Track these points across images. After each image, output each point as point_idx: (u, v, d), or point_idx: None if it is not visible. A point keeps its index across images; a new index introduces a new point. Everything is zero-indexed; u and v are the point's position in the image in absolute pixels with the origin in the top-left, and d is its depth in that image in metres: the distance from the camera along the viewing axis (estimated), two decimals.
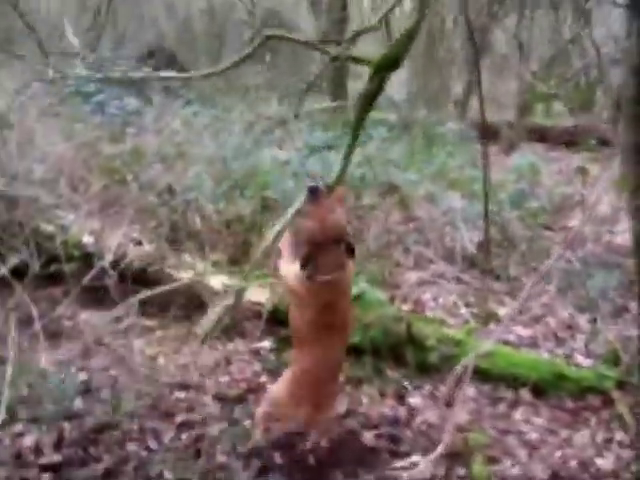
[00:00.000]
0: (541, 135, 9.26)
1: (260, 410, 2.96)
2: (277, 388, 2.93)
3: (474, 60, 3.36)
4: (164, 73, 4.46)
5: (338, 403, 3.05)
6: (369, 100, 3.14)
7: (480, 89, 3.58)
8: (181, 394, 3.28)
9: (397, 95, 9.39)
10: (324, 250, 2.69)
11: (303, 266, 2.70)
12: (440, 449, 1.77)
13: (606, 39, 7.49)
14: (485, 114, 4.45)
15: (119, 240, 4.12)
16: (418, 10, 3.23)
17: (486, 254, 4.48)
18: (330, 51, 3.28)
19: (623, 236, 4.94)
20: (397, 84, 10.70)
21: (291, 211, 3.11)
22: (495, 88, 9.60)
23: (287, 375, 2.91)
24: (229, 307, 3.50)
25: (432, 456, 1.92)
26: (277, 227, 3.13)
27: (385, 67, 3.09)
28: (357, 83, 9.66)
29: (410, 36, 3.08)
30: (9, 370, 2.99)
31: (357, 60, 3.30)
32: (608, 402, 3.22)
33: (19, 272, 3.74)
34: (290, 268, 2.81)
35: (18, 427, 2.90)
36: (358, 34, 3.38)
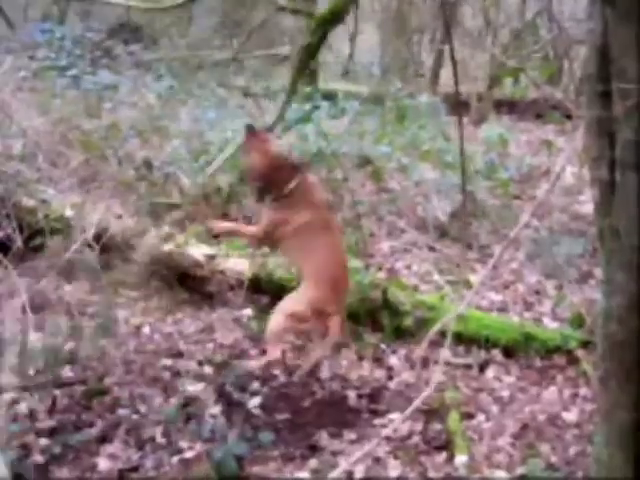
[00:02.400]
0: (509, 107, 9.42)
1: (275, 326, 3.17)
2: (292, 303, 3.20)
3: (446, 33, 3.46)
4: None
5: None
6: (310, 52, 3.29)
7: (454, 62, 3.69)
8: (167, 361, 3.39)
9: (369, 68, 9.48)
10: (273, 175, 3.09)
11: (258, 199, 3.10)
12: (414, 406, 1.91)
13: (570, 18, 7.65)
14: (458, 86, 4.56)
15: (100, 214, 4.19)
16: None
17: (463, 224, 4.62)
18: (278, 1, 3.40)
19: (587, 205, 5.11)
20: (369, 56, 10.79)
21: (229, 149, 3.39)
22: (464, 61, 9.71)
23: (302, 290, 3.21)
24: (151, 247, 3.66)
25: (408, 411, 2.06)
26: (215, 164, 3.37)
27: (328, 21, 3.23)
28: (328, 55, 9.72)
29: None
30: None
31: (301, 12, 3.42)
32: (573, 361, 3.40)
33: (2, 246, 3.80)
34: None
35: (12, 395, 2.99)
36: None
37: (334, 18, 3.18)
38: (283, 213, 3.13)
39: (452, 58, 3.66)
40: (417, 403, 1.97)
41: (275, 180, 3.11)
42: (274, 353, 3.20)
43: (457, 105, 4.10)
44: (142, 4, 3.89)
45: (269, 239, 3.25)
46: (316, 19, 3.13)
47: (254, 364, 3.29)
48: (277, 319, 3.18)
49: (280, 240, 3.23)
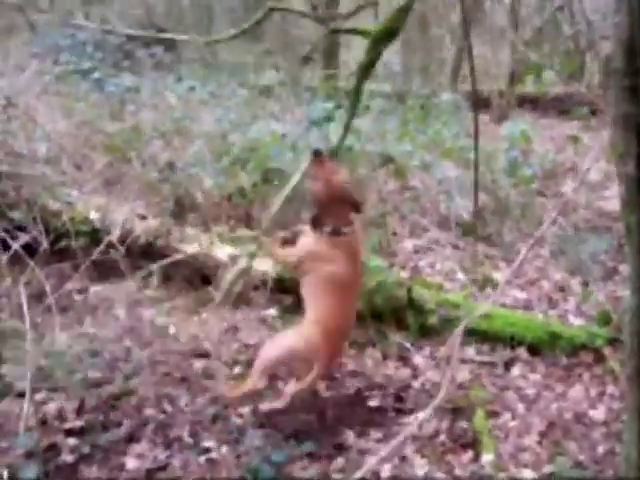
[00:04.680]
0: (532, 103, 9.36)
1: (262, 358, 3.02)
2: (288, 338, 3.06)
3: (465, 30, 3.46)
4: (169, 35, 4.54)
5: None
6: (367, 69, 3.29)
7: (471, 59, 3.67)
8: (193, 361, 3.41)
9: (392, 66, 9.46)
10: (331, 208, 2.93)
11: (314, 225, 2.90)
12: (437, 401, 1.91)
13: (593, 12, 7.58)
14: (476, 83, 4.54)
15: (125, 215, 4.23)
16: None
17: (478, 220, 4.59)
18: (330, 23, 3.40)
19: (613, 201, 5.07)
20: (391, 55, 10.76)
21: (296, 176, 3.29)
22: (487, 58, 9.67)
23: (301, 328, 3.05)
24: (242, 271, 3.64)
25: (431, 407, 2.06)
26: (284, 192, 3.29)
27: (383, 38, 3.23)
28: (348, 54, 9.73)
29: (406, 8, 3.20)
30: (29, 341, 3.10)
31: (357, 32, 3.41)
32: (600, 358, 3.38)
33: (29, 249, 3.84)
34: (306, 236, 3.04)
35: (41, 395, 3.03)
36: (360, 8, 3.50)
37: (389, 35, 3.19)
38: (328, 249, 2.98)
39: (470, 56, 3.64)
40: (437, 401, 1.98)
41: (333, 215, 2.97)
42: (258, 383, 2.99)
43: (474, 102, 4.06)
44: (208, 38, 3.97)
45: (299, 267, 3.08)
46: (372, 37, 3.14)
47: (226, 391, 3.13)
48: (271, 350, 3.04)
49: (307, 271, 3.07)
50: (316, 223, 2.99)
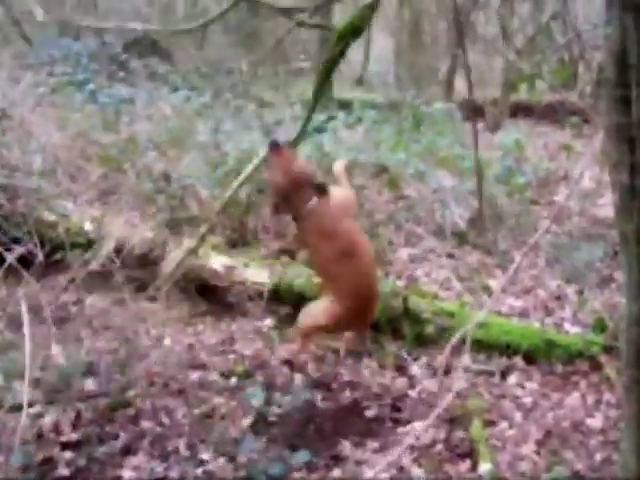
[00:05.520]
0: (526, 112, 9.40)
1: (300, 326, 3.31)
2: (316, 308, 3.27)
3: (459, 39, 3.47)
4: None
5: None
6: (331, 65, 3.33)
7: (467, 68, 3.69)
8: (189, 372, 3.40)
9: (385, 76, 9.51)
10: (293, 194, 3.08)
11: (274, 213, 3.14)
12: (436, 412, 1.92)
13: (585, 23, 7.63)
14: (472, 93, 4.57)
15: (120, 227, 4.23)
16: None
17: (480, 229, 4.61)
18: (297, 16, 3.44)
19: (607, 209, 5.09)
20: (385, 65, 10.81)
21: (251, 166, 3.39)
22: (480, 67, 9.71)
23: (324, 301, 3.26)
24: (182, 259, 3.68)
25: (430, 420, 2.07)
26: (239, 179, 3.38)
27: (347, 35, 3.26)
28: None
29: (372, 6, 3.24)
30: (27, 354, 3.09)
31: (322, 27, 3.47)
32: (596, 366, 3.38)
33: (24, 261, 3.83)
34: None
35: (36, 408, 3.02)
36: (324, 4, 3.56)
37: (354, 32, 3.22)
38: (300, 234, 3.18)
39: (466, 65, 3.66)
40: (437, 412, 1.98)
41: (293, 200, 3.12)
42: (300, 346, 3.33)
43: (470, 112, 4.09)
44: (175, 28, 4.03)
45: (299, 247, 3.35)
46: (337, 34, 3.17)
47: (284, 351, 3.40)
48: (305, 321, 3.29)
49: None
50: (275, 211, 3.17)
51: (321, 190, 3.13)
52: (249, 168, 3.45)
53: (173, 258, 3.89)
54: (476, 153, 3.49)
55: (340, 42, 3.22)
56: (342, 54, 3.28)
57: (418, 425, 2.96)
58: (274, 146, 3.16)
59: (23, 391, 2.77)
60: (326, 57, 3.29)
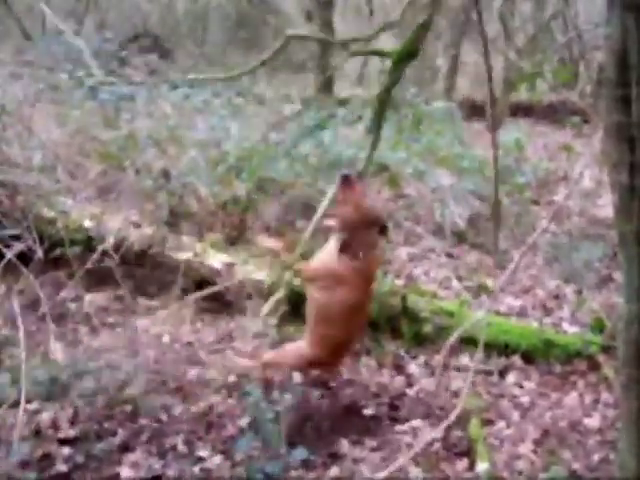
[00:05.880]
0: (526, 111, 9.41)
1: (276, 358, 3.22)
2: (297, 345, 3.18)
3: (483, 42, 3.46)
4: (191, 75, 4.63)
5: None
6: (390, 91, 3.33)
7: (489, 69, 3.64)
8: (188, 370, 3.41)
9: (383, 75, 9.48)
10: (360, 233, 2.91)
11: (343, 250, 2.91)
12: (453, 416, 1.95)
13: (586, 22, 7.64)
14: (494, 94, 4.51)
15: (119, 224, 4.22)
16: (431, 3, 3.38)
17: (495, 232, 4.55)
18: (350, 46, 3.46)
19: (606, 209, 5.09)
20: (384, 63, 10.78)
21: (326, 200, 3.30)
22: (479, 66, 9.70)
23: (309, 338, 3.14)
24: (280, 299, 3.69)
25: (445, 423, 2.10)
26: (317, 215, 3.31)
27: (404, 59, 3.27)
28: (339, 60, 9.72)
29: (425, 26, 3.23)
30: (22, 351, 3.09)
31: (378, 53, 3.47)
32: (594, 366, 3.39)
33: (23, 257, 3.83)
34: (328, 253, 3.03)
35: (35, 405, 3.02)
36: (381, 30, 3.59)
37: (410, 55, 3.24)
38: (347, 272, 2.95)
39: (487, 66, 3.66)
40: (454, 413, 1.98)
41: (360, 239, 2.93)
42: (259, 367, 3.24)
43: (492, 114, 4.06)
44: (230, 73, 4.04)
45: (315, 280, 3.10)
46: (394, 58, 3.20)
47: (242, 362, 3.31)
48: (281, 355, 3.22)
49: (320, 286, 3.07)
50: (347, 249, 2.93)
51: (385, 232, 3.04)
52: (324, 202, 3.35)
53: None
54: (495, 158, 3.41)
55: (398, 66, 3.24)
56: (399, 79, 3.30)
57: (416, 424, 2.96)
58: (346, 179, 2.96)
59: (21, 387, 2.78)
60: (386, 83, 3.30)
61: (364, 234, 2.94)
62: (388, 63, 3.43)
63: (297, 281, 3.64)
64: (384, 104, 3.35)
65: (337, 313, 3.00)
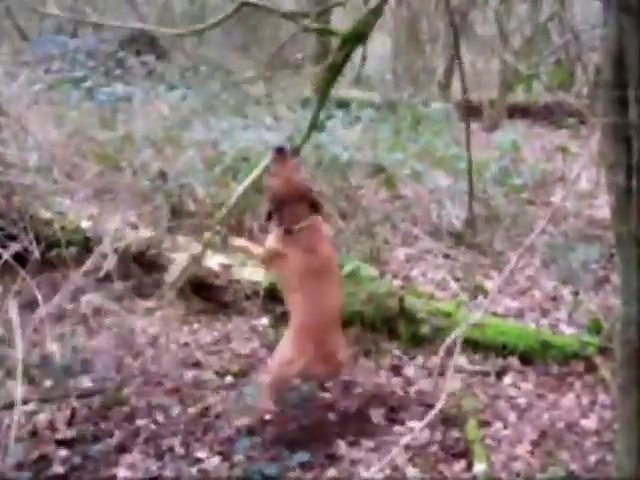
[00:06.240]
0: (522, 112, 9.41)
1: (267, 377, 3.12)
2: (281, 351, 3.10)
3: (454, 40, 3.47)
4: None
5: (342, 351, 3.18)
6: (335, 71, 3.32)
7: (462, 69, 3.68)
8: (185, 371, 3.41)
9: (381, 76, 9.50)
10: (289, 205, 2.98)
11: (267, 219, 3.04)
12: (432, 413, 1.93)
13: (583, 23, 7.64)
14: (467, 93, 4.57)
15: (116, 224, 4.22)
16: None
17: (471, 229, 4.61)
18: (300, 21, 3.43)
19: (603, 210, 5.09)
20: (382, 64, 10.80)
21: (257, 170, 3.35)
22: (477, 67, 9.72)
23: (288, 335, 3.11)
24: (193, 259, 3.70)
25: (426, 420, 2.09)
26: (243, 185, 3.35)
27: (352, 39, 3.26)
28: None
29: (375, 12, 3.23)
30: (19, 352, 3.08)
31: (325, 31, 3.46)
32: (591, 367, 3.39)
33: (20, 258, 3.82)
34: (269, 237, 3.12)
35: (31, 406, 3.02)
36: (327, 8, 3.55)
37: (358, 37, 3.22)
38: (284, 247, 3.03)
39: (460, 66, 3.67)
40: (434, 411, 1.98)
41: (289, 212, 3.00)
42: (266, 406, 3.07)
43: (465, 112, 4.08)
44: (178, 31, 4.02)
45: (267, 264, 3.27)
46: (341, 39, 3.17)
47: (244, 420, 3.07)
48: (271, 369, 3.13)
49: (276, 270, 3.25)
50: (267, 218, 3.07)
51: (317, 207, 3.07)
52: (254, 173, 3.41)
53: (177, 265, 3.87)
54: (468, 154, 3.44)
55: (344, 47, 3.21)
56: (346, 59, 3.28)
57: (414, 425, 2.96)
58: (279, 153, 3.05)
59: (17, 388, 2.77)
60: (330, 62, 3.28)
61: (294, 208, 2.99)
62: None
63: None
64: (328, 85, 3.34)
65: (295, 288, 3.05)
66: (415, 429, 2.83)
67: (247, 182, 3.48)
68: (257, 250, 3.28)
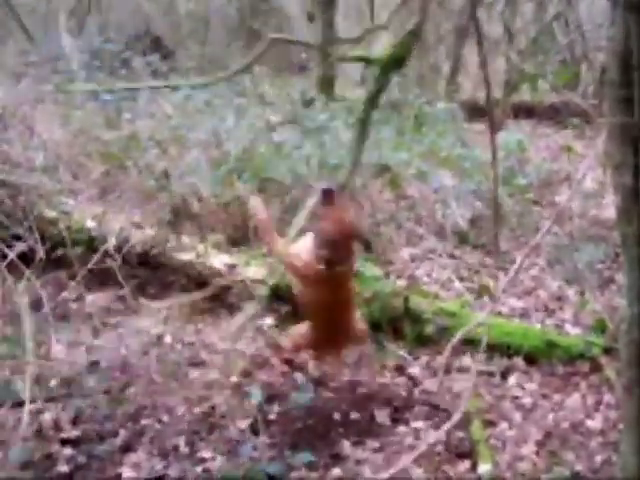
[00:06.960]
0: (528, 112, 9.37)
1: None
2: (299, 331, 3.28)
3: (478, 41, 3.44)
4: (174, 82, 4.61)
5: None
6: (375, 98, 3.29)
7: (486, 71, 3.64)
8: (189, 370, 3.41)
9: None
10: (340, 246, 2.91)
11: (324, 264, 2.93)
12: (456, 417, 1.95)
13: (589, 23, 7.62)
14: (492, 96, 4.51)
15: (121, 224, 4.22)
16: (420, 10, 3.34)
17: (495, 235, 4.54)
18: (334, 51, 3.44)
19: (608, 210, 5.08)
20: None
21: (304, 212, 3.29)
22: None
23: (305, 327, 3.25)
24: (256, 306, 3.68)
25: (449, 423, 2.11)
26: (293, 229, 3.30)
27: (391, 66, 3.23)
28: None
29: (414, 33, 3.20)
30: (28, 351, 3.09)
31: (364, 60, 3.42)
32: (596, 367, 3.38)
33: (25, 257, 3.83)
34: (304, 255, 3.04)
35: (36, 405, 3.02)
36: (364, 35, 3.55)
37: (397, 63, 3.20)
38: (316, 276, 2.98)
39: (484, 68, 3.63)
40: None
41: (338, 254, 2.93)
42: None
43: (490, 117, 4.04)
44: (210, 79, 4.05)
45: (284, 265, 3.26)
46: (380, 68, 3.15)
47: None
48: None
49: (289, 272, 3.25)
50: (327, 263, 2.93)
51: (368, 247, 3.09)
52: (301, 216, 3.35)
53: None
54: (493, 158, 3.36)
55: (382, 76, 3.19)
56: (384, 87, 3.26)
57: (418, 425, 2.96)
58: (327, 194, 2.89)
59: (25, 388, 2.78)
60: (371, 89, 3.26)
61: (344, 249, 2.95)
62: None
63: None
64: (369, 111, 3.30)
65: (308, 305, 3.17)
66: (440, 430, 2.81)
67: (297, 225, 3.43)
68: (277, 242, 3.18)
